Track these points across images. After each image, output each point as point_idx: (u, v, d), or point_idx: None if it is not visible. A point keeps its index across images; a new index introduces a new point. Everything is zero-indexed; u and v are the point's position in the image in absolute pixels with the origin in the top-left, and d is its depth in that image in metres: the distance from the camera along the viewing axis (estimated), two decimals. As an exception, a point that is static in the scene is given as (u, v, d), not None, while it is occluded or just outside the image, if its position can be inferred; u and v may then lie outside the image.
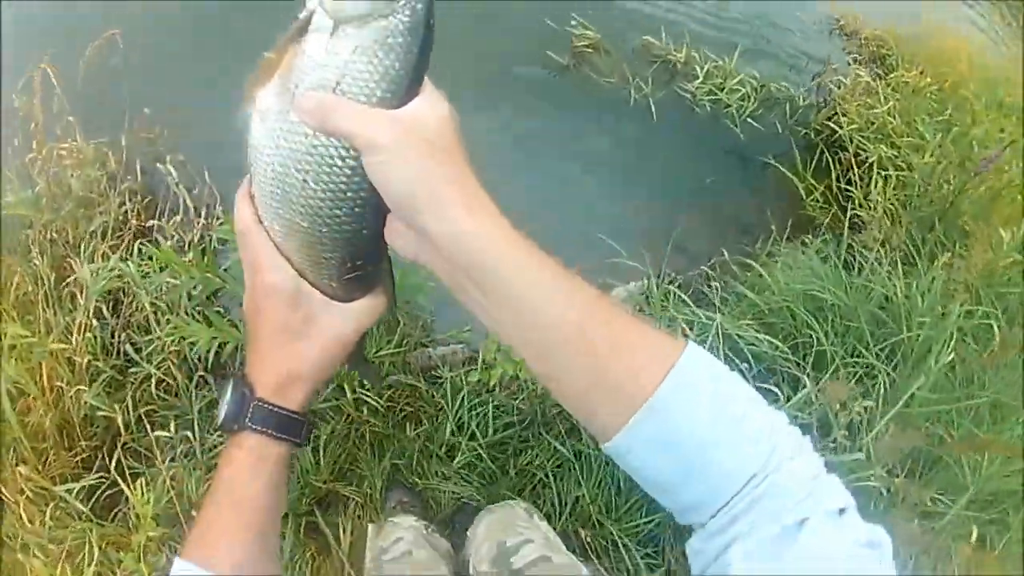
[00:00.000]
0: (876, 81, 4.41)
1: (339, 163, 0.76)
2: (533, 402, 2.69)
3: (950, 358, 2.51)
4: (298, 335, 0.86)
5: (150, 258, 2.66)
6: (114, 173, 3.20)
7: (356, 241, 0.82)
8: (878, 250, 2.96)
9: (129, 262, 2.64)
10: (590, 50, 4.38)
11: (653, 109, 4.22)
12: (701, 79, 4.36)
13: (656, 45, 4.47)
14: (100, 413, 2.52)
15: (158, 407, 2.63)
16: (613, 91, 4.27)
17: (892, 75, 4.50)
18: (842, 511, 0.68)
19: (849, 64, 4.80)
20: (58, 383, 2.50)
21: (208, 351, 2.42)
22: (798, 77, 4.67)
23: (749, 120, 4.30)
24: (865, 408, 2.22)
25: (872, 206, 3.58)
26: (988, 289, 2.86)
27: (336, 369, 0.92)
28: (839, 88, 4.46)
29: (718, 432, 0.70)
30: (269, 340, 0.87)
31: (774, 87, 4.46)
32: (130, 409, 2.57)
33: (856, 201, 3.70)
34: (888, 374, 2.52)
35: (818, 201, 3.90)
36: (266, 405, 0.86)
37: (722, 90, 4.34)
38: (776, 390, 2.52)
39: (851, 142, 4.06)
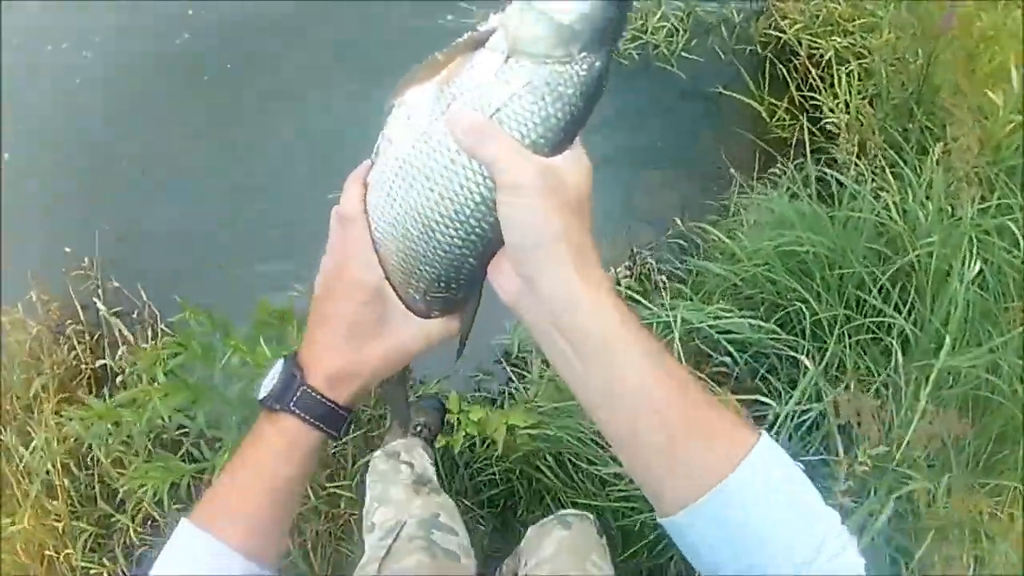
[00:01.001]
0: (807, -31, 3.85)
1: (473, 187, 0.75)
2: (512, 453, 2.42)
3: (976, 271, 1.99)
4: (366, 335, 0.86)
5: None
6: (59, 322, 3.10)
7: (459, 266, 0.82)
8: (855, 164, 2.40)
9: (75, 421, 2.47)
10: None
11: None
12: (619, 27, 3.84)
13: None
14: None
15: (151, 545, 2.56)
16: None
17: (822, -43, 3.93)
18: None
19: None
20: (47, 552, 2.52)
21: (162, 492, 2.27)
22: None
23: (684, 55, 3.82)
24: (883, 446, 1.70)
25: (841, 107, 3.05)
26: (994, 167, 2.32)
27: (389, 375, 0.91)
28: (771, -11, 3.92)
29: (778, 523, 0.70)
30: (335, 331, 0.86)
31: (701, 11, 3.96)
32: (120, 558, 2.57)
33: (826, 108, 3.17)
34: (907, 324, 1.99)
35: (784, 120, 3.41)
36: (315, 394, 0.85)
37: (646, 32, 3.87)
38: (771, 379, 2.04)
39: (800, 44, 3.51)
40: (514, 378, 2.67)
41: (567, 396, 2.16)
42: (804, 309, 2.07)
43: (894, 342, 1.94)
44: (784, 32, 3.61)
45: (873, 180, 2.31)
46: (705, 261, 2.39)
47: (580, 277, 0.72)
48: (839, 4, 3.47)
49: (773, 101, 3.46)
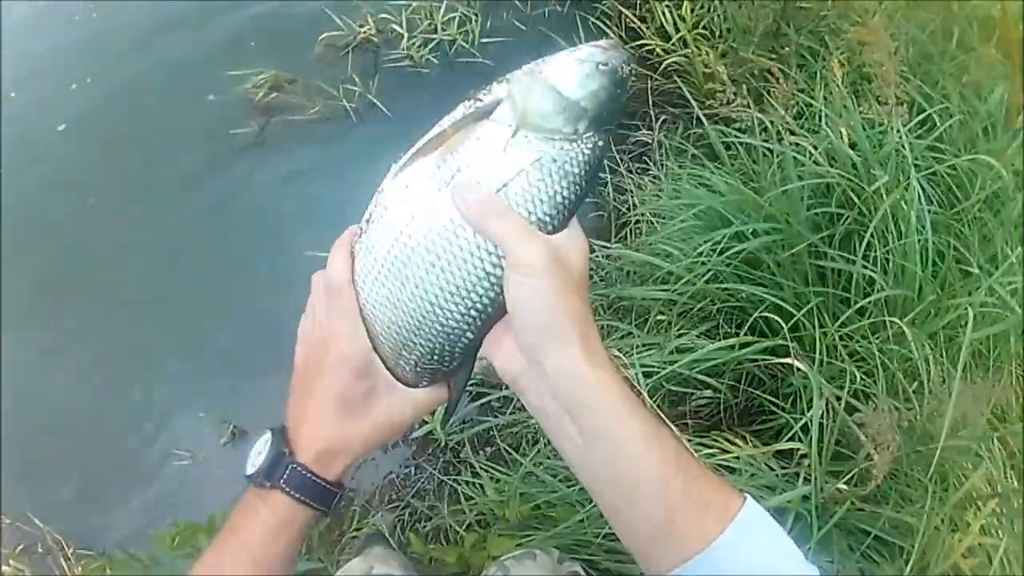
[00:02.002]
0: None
1: (477, 263, 0.76)
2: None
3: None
4: (355, 410, 0.85)
5: None
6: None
7: (455, 340, 0.81)
8: (749, 112, 2.04)
9: None
10: (275, 93, 3.54)
11: (380, 104, 3.40)
12: (407, 36, 3.53)
13: (339, 36, 3.64)
14: None
15: None
16: (327, 117, 3.44)
17: None
18: None
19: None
20: None
21: None
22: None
23: (486, 41, 3.49)
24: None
25: (699, 49, 2.68)
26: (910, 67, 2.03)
27: (379, 448, 0.96)
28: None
29: None
30: (323, 406, 0.85)
31: None
32: None
33: (658, 49, 2.84)
34: (884, 280, 1.69)
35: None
36: (304, 472, 0.84)
37: (436, 31, 3.54)
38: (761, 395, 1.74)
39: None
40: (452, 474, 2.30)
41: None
42: (774, 316, 1.73)
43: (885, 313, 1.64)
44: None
45: (772, 125, 1.97)
46: (635, 288, 1.99)
47: (586, 357, 0.74)
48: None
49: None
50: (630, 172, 2.56)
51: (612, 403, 0.73)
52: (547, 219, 0.75)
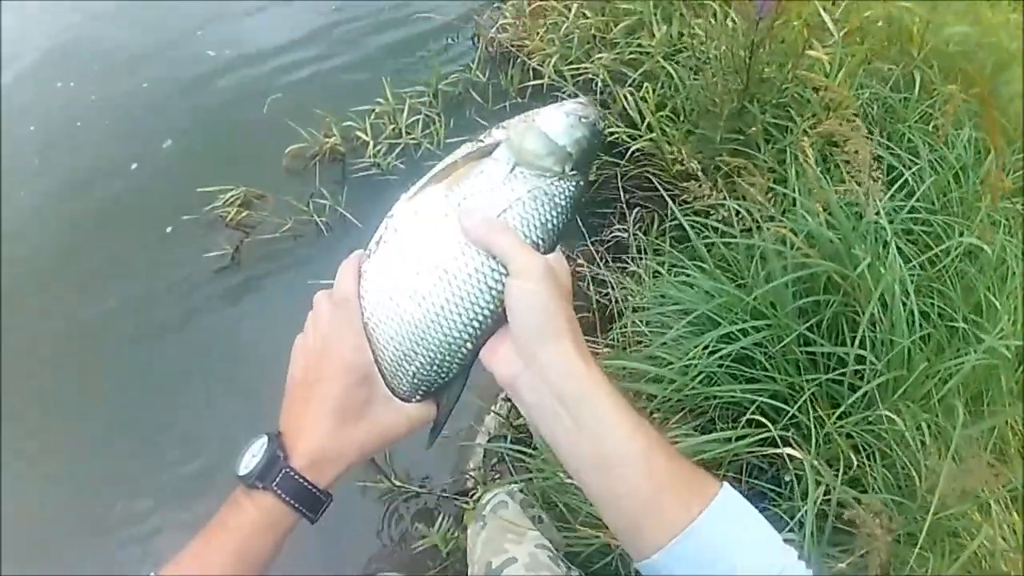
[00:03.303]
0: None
1: (480, 276, 0.87)
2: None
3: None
4: (352, 418, 0.90)
5: None
6: None
7: (455, 351, 0.89)
8: (715, 200, 2.00)
9: None
10: (246, 211, 3.38)
11: (350, 215, 3.31)
12: (372, 143, 3.49)
13: (304, 147, 3.54)
14: None
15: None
16: (299, 234, 3.31)
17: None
18: None
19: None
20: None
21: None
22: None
23: (451, 141, 3.44)
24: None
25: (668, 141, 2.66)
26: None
27: (368, 459, 1.04)
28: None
29: (743, 560, 0.77)
30: (320, 413, 0.90)
31: (445, 86, 3.69)
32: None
33: (623, 135, 2.81)
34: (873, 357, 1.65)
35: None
36: (297, 476, 0.88)
37: (400, 135, 3.51)
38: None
39: (566, 79, 3.15)
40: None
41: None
42: (770, 404, 1.70)
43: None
44: (542, 72, 3.29)
45: (748, 213, 1.95)
46: (628, 383, 1.93)
47: (579, 353, 0.83)
48: (587, 15, 3.17)
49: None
50: (608, 267, 2.52)
51: (604, 395, 0.82)
52: (540, 241, 0.89)
